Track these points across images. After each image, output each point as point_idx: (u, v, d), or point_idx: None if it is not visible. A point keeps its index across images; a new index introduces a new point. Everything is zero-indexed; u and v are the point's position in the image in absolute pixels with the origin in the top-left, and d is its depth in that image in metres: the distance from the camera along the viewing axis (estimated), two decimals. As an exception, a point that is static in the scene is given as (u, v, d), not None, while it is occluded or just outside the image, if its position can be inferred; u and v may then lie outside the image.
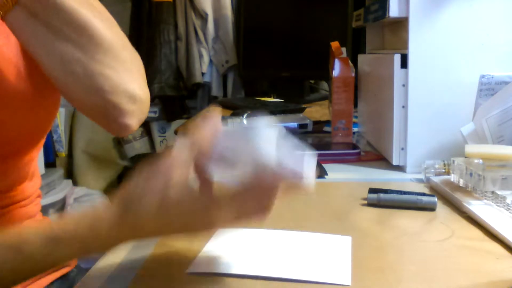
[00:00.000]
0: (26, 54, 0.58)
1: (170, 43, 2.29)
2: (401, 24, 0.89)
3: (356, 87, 1.12)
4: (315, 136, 1.24)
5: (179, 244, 0.54)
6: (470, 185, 0.69)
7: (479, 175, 0.67)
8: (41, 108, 0.63)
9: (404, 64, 0.85)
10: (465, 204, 0.66)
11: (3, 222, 0.63)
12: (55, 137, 2.22)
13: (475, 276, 0.48)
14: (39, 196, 0.73)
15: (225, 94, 2.45)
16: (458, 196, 0.68)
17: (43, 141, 0.68)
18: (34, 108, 0.62)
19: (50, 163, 2.20)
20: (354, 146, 1.04)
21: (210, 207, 0.44)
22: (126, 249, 0.55)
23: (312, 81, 2.24)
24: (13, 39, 0.57)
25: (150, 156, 0.54)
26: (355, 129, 1.18)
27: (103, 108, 0.54)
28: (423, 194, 0.68)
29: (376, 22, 1.00)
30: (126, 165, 2.47)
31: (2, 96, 0.56)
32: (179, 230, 0.45)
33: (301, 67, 2.05)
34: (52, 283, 0.71)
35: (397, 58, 0.85)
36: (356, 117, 1.18)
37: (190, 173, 0.43)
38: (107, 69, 0.53)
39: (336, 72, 1.10)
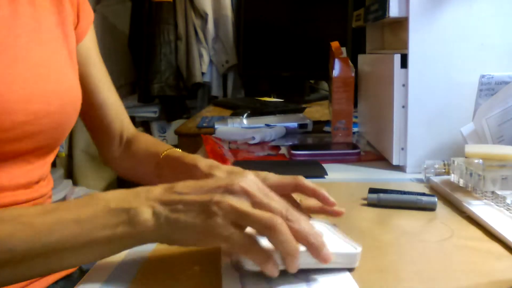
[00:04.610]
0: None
1: (170, 43, 2.29)
2: (401, 24, 0.89)
3: (356, 87, 1.12)
4: (315, 136, 1.24)
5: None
6: (470, 185, 0.69)
7: (479, 175, 0.67)
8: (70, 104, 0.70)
9: (404, 64, 0.85)
10: (465, 204, 0.66)
11: None
12: (55, 137, 2.22)
13: (475, 276, 0.48)
14: (50, 196, 0.75)
15: (225, 94, 2.45)
16: (458, 196, 0.68)
17: (65, 137, 0.72)
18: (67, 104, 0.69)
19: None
20: (354, 146, 1.04)
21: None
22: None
23: (312, 81, 2.25)
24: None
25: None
26: (355, 129, 1.18)
27: None
28: (423, 194, 0.69)
29: (376, 22, 1.00)
30: (126, 165, 2.47)
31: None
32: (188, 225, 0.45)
33: (301, 67, 2.05)
34: (56, 282, 0.72)
35: (397, 58, 0.85)
36: (356, 117, 1.18)
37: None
38: None
39: (336, 72, 1.10)
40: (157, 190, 0.47)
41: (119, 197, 0.47)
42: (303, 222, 0.44)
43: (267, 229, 0.42)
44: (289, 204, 0.47)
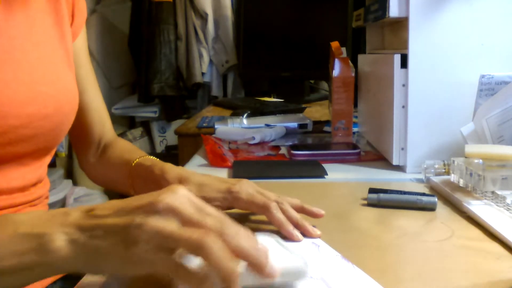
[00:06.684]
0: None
1: (170, 43, 2.29)
2: (401, 24, 0.89)
3: (356, 87, 1.12)
4: (315, 136, 1.24)
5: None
6: (470, 185, 0.69)
7: (479, 175, 0.67)
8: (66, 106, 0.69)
9: (404, 64, 0.85)
10: (465, 204, 0.66)
11: None
12: (55, 137, 2.22)
13: (475, 276, 0.48)
14: (47, 197, 0.75)
15: (225, 94, 2.45)
16: (458, 196, 0.68)
17: (62, 138, 0.71)
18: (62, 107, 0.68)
19: (50, 163, 2.20)
20: (354, 146, 1.04)
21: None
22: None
23: (312, 81, 2.25)
24: None
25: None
26: (355, 129, 1.18)
27: None
28: (423, 194, 0.69)
29: (376, 22, 1.00)
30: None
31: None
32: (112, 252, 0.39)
33: (301, 67, 2.05)
34: (55, 282, 0.71)
35: (397, 58, 0.85)
36: (356, 117, 1.18)
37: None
38: None
39: (336, 72, 1.10)
40: (75, 214, 0.42)
41: (31, 220, 0.42)
42: (242, 238, 0.40)
43: (197, 250, 0.37)
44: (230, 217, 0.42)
